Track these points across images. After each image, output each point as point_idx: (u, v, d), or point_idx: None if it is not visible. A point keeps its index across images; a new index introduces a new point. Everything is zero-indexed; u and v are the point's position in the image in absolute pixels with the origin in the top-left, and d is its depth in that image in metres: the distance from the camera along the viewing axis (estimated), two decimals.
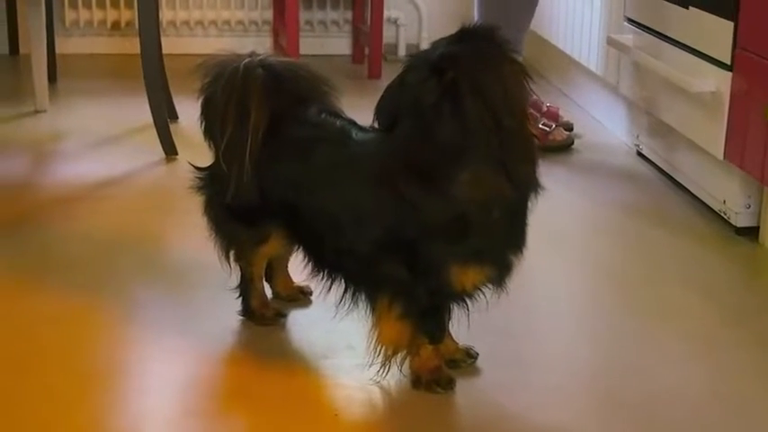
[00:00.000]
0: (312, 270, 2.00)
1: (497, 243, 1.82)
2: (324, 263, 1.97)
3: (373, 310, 1.88)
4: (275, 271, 2.19)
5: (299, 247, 2.05)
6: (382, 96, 1.80)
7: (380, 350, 1.88)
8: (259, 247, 2.07)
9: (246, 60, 1.97)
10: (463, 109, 1.69)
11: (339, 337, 2.06)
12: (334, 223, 1.88)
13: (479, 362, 1.99)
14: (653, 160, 3.15)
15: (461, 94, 1.69)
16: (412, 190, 1.75)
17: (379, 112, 1.81)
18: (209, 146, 2.03)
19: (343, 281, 1.94)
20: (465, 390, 1.91)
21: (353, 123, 1.96)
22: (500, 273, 1.85)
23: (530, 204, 1.82)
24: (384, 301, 1.86)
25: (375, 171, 1.81)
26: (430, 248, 1.79)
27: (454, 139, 1.70)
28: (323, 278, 1.98)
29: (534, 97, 3.02)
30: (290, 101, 1.98)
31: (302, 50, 4.11)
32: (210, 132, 2.01)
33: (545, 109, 3.30)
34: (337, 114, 2.00)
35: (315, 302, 2.21)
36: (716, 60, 2.63)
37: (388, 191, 1.78)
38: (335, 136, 1.93)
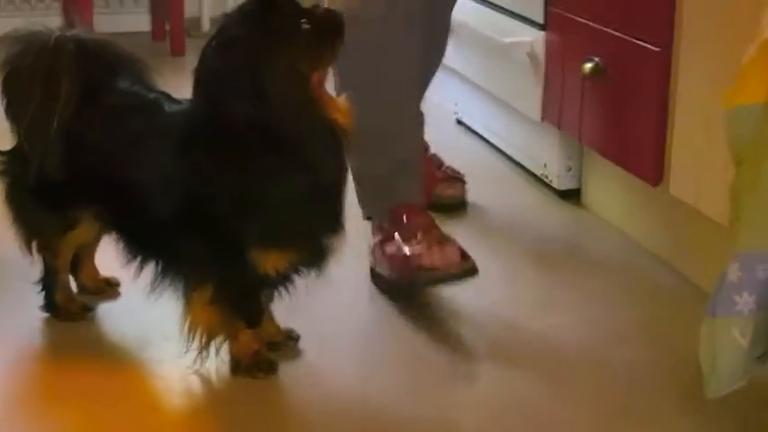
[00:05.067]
0: (125, 253, 2.02)
1: (305, 226, 1.87)
2: (135, 243, 2.00)
3: (183, 293, 1.92)
4: (81, 262, 2.19)
5: (110, 230, 2.05)
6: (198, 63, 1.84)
7: (195, 337, 1.92)
8: (66, 235, 2.07)
9: (57, 34, 1.98)
10: (254, 84, 1.76)
11: (153, 327, 2.08)
12: (143, 197, 1.90)
13: (301, 343, 2.05)
14: (473, 128, 3.26)
15: (251, 69, 1.76)
16: (208, 164, 1.81)
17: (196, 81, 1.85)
18: (12, 126, 2.02)
19: (155, 263, 1.97)
20: (287, 372, 1.97)
21: (166, 95, 2.00)
22: (313, 257, 1.90)
23: (343, 188, 1.90)
24: (193, 285, 1.89)
25: (176, 142, 1.85)
26: (229, 229, 1.84)
27: (247, 115, 1.76)
28: (136, 261, 2.00)
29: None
30: (103, 74, 2.00)
31: (97, 28, 4.02)
32: (13, 110, 2.00)
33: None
34: (150, 86, 2.03)
35: (125, 294, 2.22)
36: (529, 20, 2.75)
37: (187, 163, 1.83)
38: (147, 105, 1.96)
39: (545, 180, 2.82)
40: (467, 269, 2.13)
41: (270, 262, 1.86)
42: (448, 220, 2.61)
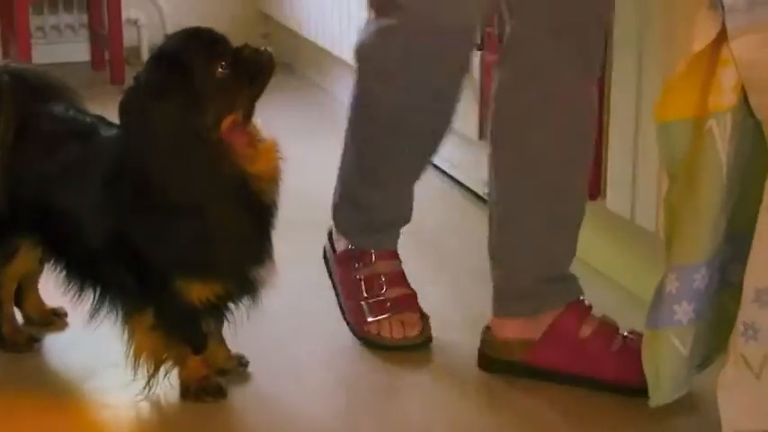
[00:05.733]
0: (65, 281, 2.04)
1: (231, 256, 1.91)
2: (74, 271, 2.02)
3: (123, 320, 1.95)
4: (25, 293, 2.21)
5: (51, 259, 2.07)
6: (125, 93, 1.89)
7: (141, 363, 1.94)
8: (7, 265, 2.08)
9: None
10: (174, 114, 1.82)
11: (101, 356, 2.10)
12: (78, 224, 1.94)
13: (252, 368, 2.08)
14: None
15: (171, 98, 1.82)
16: (132, 194, 1.86)
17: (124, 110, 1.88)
18: None
19: (93, 290, 1.99)
20: (237, 397, 2.00)
21: (102, 119, 2.03)
22: (241, 288, 1.94)
23: (273, 219, 1.94)
24: (132, 311, 1.93)
25: (107, 169, 1.90)
26: (152, 258, 1.88)
27: (169, 145, 1.82)
28: (75, 290, 2.02)
29: None
30: (39, 103, 2.03)
31: (36, 59, 4.06)
32: None
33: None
34: (85, 112, 2.07)
35: (72, 323, 2.23)
36: None
37: (114, 192, 1.88)
38: (84, 130, 1.99)
39: (486, 198, 2.86)
40: (417, 343, 2.16)
41: (194, 292, 1.90)
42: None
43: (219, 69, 1.84)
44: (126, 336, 1.95)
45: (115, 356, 2.05)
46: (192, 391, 1.97)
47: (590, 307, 2.04)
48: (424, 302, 2.22)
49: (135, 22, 4.52)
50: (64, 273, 2.04)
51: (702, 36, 1.66)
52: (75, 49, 4.49)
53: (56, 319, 2.24)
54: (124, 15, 4.28)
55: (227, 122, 1.85)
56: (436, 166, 3.14)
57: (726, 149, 1.67)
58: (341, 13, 3.62)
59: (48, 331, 2.21)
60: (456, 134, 2.92)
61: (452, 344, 2.18)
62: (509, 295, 2.05)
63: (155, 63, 1.87)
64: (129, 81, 4.02)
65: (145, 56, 4.50)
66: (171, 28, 4.50)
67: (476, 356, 2.08)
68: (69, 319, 2.24)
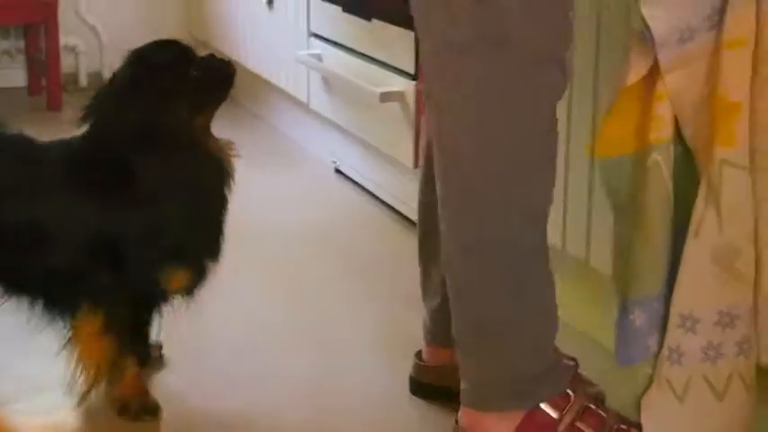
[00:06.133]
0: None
1: (195, 246, 1.97)
2: (16, 283, 1.99)
3: (72, 325, 1.95)
4: None
5: None
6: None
7: (81, 373, 1.95)
8: None
9: None
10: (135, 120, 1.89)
11: (23, 379, 2.10)
12: (21, 233, 1.92)
13: (185, 384, 2.10)
14: (351, 177, 3.34)
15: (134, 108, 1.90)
16: (110, 191, 1.90)
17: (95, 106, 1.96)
18: None
19: (31, 298, 1.98)
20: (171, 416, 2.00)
21: (24, 134, 2.03)
22: (201, 277, 1.99)
23: (224, 211, 1.99)
24: (85, 314, 1.93)
25: (66, 173, 1.92)
26: (134, 249, 1.91)
27: (140, 141, 1.88)
28: (11, 300, 2.00)
29: None
30: None
31: None
32: None
33: None
34: (2, 125, 2.05)
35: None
36: (400, 70, 2.85)
37: (86, 193, 1.90)
38: (14, 145, 1.99)
39: None
40: None
41: (176, 281, 1.95)
42: (323, 261, 2.68)
43: (191, 72, 1.95)
44: (70, 341, 1.95)
45: (40, 381, 2.06)
46: (131, 410, 1.97)
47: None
48: (358, 325, 2.23)
49: (73, 49, 4.53)
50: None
51: (634, 70, 1.69)
52: (12, 75, 4.49)
53: None
54: (62, 42, 4.29)
55: (197, 123, 1.95)
56: (371, 193, 3.18)
57: (671, 180, 1.70)
58: (277, 42, 3.65)
59: None
60: (392, 162, 2.97)
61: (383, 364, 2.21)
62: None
63: (130, 62, 1.96)
64: (66, 107, 4.08)
65: (83, 82, 4.52)
66: (109, 55, 4.53)
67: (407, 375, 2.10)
68: None
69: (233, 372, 2.18)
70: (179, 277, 1.95)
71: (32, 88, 4.46)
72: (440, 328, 1.98)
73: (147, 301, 1.97)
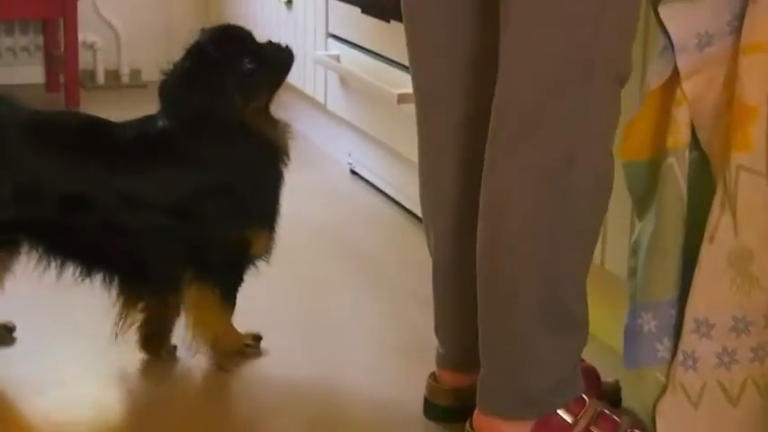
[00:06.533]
0: (80, 271, 2.09)
1: (265, 210, 2.13)
2: (93, 257, 2.09)
3: (182, 295, 2.10)
4: None
5: (50, 253, 2.09)
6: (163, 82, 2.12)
7: (195, 339, 2.11)
8: None
9: None
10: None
11: (48, 372, 2.11)
12: (129, 207, 2.04)
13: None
14: (366, 177, 3.35)
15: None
16: (174, 158, 2.06)
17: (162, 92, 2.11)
18: None
19: (117, 273, 2.10)
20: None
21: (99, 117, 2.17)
22: (272, 241, 2.15)
23: (279, 184, 2.14)
24: (191, 284, 2.08)
25: (142, 146, 2.08)
26: (216, 211, 2.06)
27: (200, 127, 2.06)
28: (93, 276, 2.10)
29: None
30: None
31: None
32: None
33: None
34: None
35: (19, 337, 2.24)
36: None
37: (158, 163, 2.06)
38: (93, 125, 2.13)
39: None
40: None
41: (258, 241, 2.12)
42: (338, 262, 2.69)
43: (245, 64, 2.07)
44: (186, 310, 2.11)
45: (63, 373, 2.07)
46: (234, 358, 2.17)
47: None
48: (370, 327, 2.23)
49: (91, 46, 4.54)
50: (76, 263, 2.09)
51: (656, 76, 1.70)
52: (30, 72, 4.51)
53: (5, 333, 2.24)
54: (80, 38, 4.30)
55: (250, 108, 2.08)
56: (387, 195, 3.19)
57: (685, 184, 1.71)
58: (295, 42, 3.66)
59: None
60: (409, 163, 2.97)
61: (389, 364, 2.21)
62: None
63: (190, 55, 2.10)
64: (84, 104, 4.10)
65: (101, 79, 4.54)
66: (126, 52, 4.55)
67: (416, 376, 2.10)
68: (17, 334, 2.25)
69: (241, 371, 2.19)
70: (262, 238, 2.12)
71: (50, 85, 4.48)
72: (455, 355, 1.96)
73: (239, 265, 2.13)
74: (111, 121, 2.13)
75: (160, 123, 2.08)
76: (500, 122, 1.67)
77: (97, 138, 2.10)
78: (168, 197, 2.05)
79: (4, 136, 2.04)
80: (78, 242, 2.08)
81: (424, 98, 1.89)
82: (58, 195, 2.03)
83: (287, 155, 2.15)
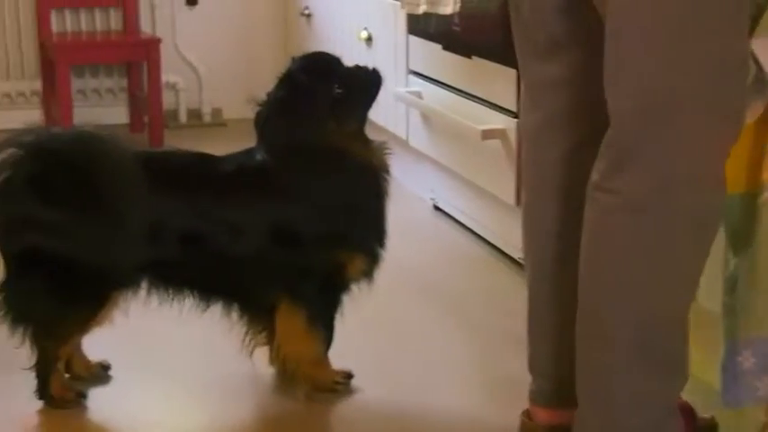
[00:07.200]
0: (197, 302, 2.17)
1: (361, 233, 2.18)
2: (204, 287, 2.16)
3: (276, 321, 2.14)
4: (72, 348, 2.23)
5: (166, 288, 2.16)
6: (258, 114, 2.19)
7: (282, 367, 2.18)
8: (90, 319, 2.11)
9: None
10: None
11: (145, 413, 2.15)
12: (225, 238, 2.11)
13: None
14: (450, 213, 3.36)
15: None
16: (272, 187, 2.13)
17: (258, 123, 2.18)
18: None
19: (226, 299, 2.17)
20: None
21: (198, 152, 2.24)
22: (371, 262, 2.20)
23: (381, 203, 2.21)
24: (285, 309, 2.13)
25: (253, 178, 2.14)
26: (311, 237, 2.12)
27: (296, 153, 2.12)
28: (204, 305, 2.17)
29: None
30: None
31: (76, 121, 4.14)
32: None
33: None
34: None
35: (115, 379, 2.27)
36: (502, 107, 2.87)
37: (257, 193, 2.13)
38: (196, 160, 2.20)
39: (522, 263, 2.90)
40: None
41: (353, 264, 2.17)
42: (423, 301, 2.70)
43: (335, 89, 2.14)
44: (276, 337, 2.16)
45: (159, 413, 2.10)
46: (324, 392, 2.20)
47: None
48: (457, 366, 2.23)
49: (173, 86, 4.62)
50: (193, 295, 2.16)
51: (752, 110, 1.69)
52: (115, 113, 4.58)
53: (102, 372, 2.28)
54: (163, 79, 4.39)
55: (344, 132, 2.16)
56: (473, 231, 3.20)
57: None
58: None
59: (92, 385, 2.24)
60: (493, 199, 2.99)
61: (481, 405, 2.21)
62: None
63: (282, 84, 2.18)
64: (167, 143, 4.14)
65: (183, 118, 4.61)
66: (207, 91, 4.62)
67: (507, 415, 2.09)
68: (112, 372, 2.29)
69: (332, 407, 2.21)
70: (356, 261, 2.16)
71: (134, 125, 4.56)
72: (549, 391, 1.95)
73: (335, 290, 2.17)
74: (214, 156, 2.20)
75: (258, 155, 2.15)
76: (602, 151, 1.67)
77: (204, 173, 2.17)
78: (266, 225, 2.11)
79: (127, 177, 2.08)
80: (193, 275, 2.15)
81: (536, 130, 1.89)
82: (179, 232, 2.10)
83: (386, 172, 2.22)
